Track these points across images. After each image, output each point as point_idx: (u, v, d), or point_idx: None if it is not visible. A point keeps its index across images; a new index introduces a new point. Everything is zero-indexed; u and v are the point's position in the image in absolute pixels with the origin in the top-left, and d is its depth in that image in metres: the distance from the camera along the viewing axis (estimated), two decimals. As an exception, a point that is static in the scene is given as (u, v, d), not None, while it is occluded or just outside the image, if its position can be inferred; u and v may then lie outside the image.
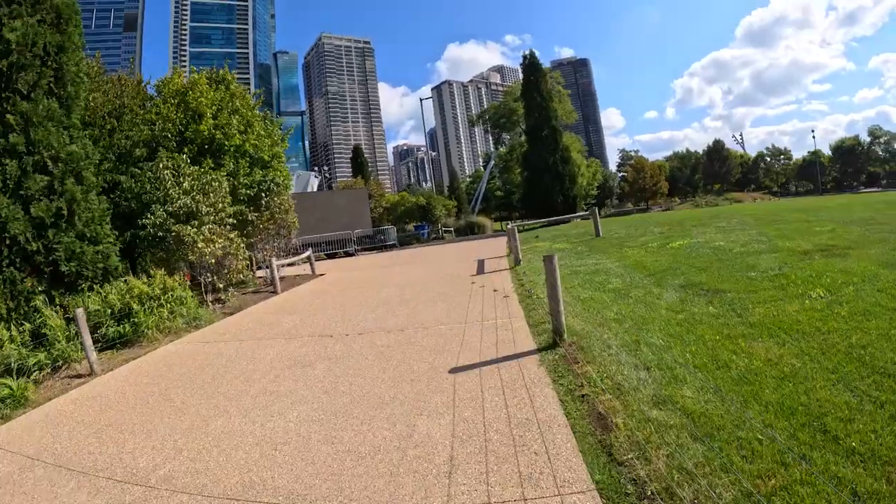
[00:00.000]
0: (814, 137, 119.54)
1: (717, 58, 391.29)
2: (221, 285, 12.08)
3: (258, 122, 15.07)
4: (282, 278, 16.54)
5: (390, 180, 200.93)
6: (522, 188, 32.36)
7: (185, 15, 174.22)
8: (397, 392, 4.34)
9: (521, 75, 34.66)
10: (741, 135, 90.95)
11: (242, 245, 12.08)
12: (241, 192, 13.26)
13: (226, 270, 12.13)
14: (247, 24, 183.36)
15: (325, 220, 26.24)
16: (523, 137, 39.65)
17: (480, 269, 11.56)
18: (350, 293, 10.65)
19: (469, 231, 42.83)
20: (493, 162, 57.06)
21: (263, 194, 14.00)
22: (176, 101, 14.57)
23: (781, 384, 3.48)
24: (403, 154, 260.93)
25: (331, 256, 25.84)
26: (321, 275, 15.84)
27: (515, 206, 67.14)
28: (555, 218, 21.26)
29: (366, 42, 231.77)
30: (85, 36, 14.89)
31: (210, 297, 11.59)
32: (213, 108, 14.09)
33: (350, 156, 55.45)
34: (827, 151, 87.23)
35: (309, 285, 13.68)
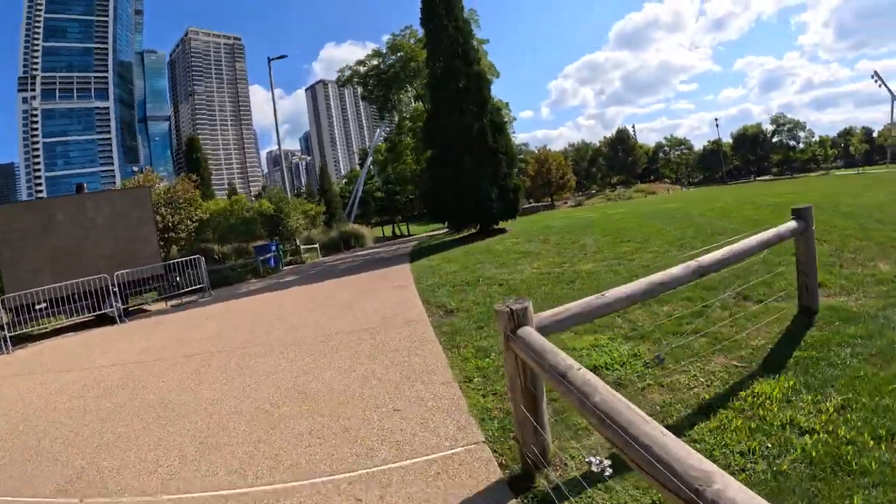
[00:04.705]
0: (717, 126, 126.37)
1: (591, 60, 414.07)
2: None
3: None
4: None
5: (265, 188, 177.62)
6: (426, 178, 18.34)
7: (41, 4, 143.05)
8: None
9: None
10: (633, 127, 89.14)
11: None
12: None
13: None
14: (107, 15, 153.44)
15: (68, 254, 11.56)
16: (415, 104, 26.34)
17: None
18: None
19: (343, 244, 29.62)
20: (370, 158, 44.18)
21: None
22: None
23: None
24: (278, 160, 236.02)
25: (101, 319, 11.18)
26: None
27: (401, 209, 54.49)
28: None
29: (236, 38, 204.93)
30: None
31: None
32: None
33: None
34: (727, 139, 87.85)
35: None
